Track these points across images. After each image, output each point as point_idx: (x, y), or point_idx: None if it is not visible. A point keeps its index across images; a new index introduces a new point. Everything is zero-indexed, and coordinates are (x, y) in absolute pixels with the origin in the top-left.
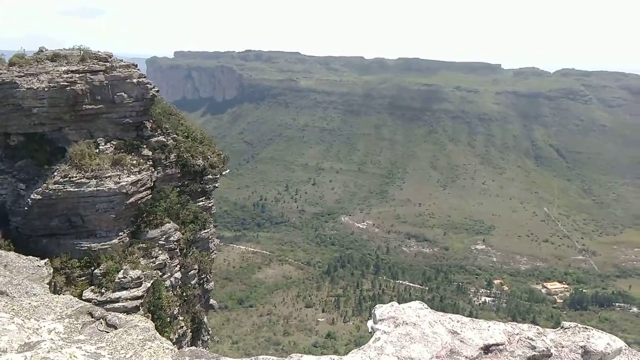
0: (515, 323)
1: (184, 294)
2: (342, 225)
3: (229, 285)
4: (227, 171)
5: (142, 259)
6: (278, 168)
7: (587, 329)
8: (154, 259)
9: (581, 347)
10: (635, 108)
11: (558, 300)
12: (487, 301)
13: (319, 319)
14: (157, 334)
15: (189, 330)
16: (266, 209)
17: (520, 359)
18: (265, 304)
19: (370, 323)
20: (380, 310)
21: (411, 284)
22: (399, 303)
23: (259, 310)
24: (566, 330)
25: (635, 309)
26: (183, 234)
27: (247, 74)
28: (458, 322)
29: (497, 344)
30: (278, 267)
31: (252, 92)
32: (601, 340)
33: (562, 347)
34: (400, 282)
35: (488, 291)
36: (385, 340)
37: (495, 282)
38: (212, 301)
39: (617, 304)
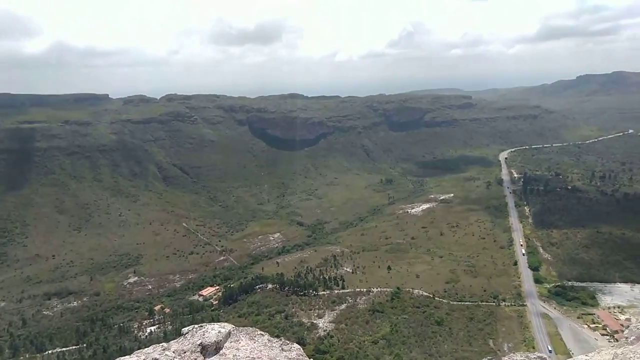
0: (142, 350)
1: None
2: None
3: None
4: None
5: None
6: None
7: (202, 326)
8: None
9: (199, 344)
10: (230, 123)
11: (214, 302)
12: (153, 330)
13: None
14: None
15: None
16: None
17: None
18: None
19: None
20: None
21: (65, 349)
22: None
23: None
24: (186, 335)
25: (270, 285)
26: None
27: None
28: None
29: None
30: None
31: None
32: (213, 332)
33: (184, 352)
34: (50, 351)
35: (152, 320)
36: None
37: (156, 308)
38: None
39: (257, 287)
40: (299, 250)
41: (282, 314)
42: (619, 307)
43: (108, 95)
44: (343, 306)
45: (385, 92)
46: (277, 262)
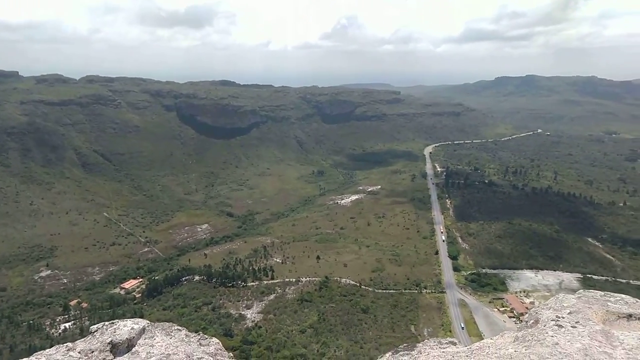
0: (42, 351)
1: None
2: None
3: None
4: None
5: None
6: None
7: (113, 323)
8: None
9: (109, 343)
10: (157, 108)
11: (137, 296)
12: (68, 327)
13: None
14: None
15: None
16: None
17: None
18: None
19: None
20: None
21: None
22: None
23: None
24: (94, 333)
25: (197, 277)
26: None
27: None
28: None
29: None
30: None
31: None
32: (125, 328)
33: (92, 351)
34: None
35: (66, 316)
36: None
37: (72, 303)
38: None
39: (183, 279)
40: (228, 242)
41: (209, 305)
42: (524, 292)
43: (18, 72)
44: (272, 296)
45: (319, 84)
46: (204, 253)
